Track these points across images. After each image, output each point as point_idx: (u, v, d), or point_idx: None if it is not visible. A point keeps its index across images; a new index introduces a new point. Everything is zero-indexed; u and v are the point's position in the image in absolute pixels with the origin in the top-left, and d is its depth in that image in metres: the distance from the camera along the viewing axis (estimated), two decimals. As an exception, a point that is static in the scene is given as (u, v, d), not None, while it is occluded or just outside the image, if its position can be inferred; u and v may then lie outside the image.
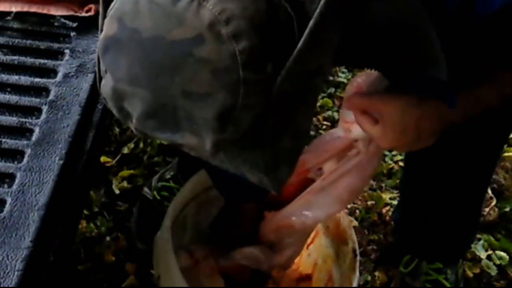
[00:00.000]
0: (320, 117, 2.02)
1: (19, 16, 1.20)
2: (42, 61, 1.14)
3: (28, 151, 1.00)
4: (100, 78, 0.82)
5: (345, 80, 2.14)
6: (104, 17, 0.80)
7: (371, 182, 1.85)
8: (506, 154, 1.93)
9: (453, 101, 1.00)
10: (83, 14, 1.21)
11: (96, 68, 0.83)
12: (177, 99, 0.74)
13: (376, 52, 0.95)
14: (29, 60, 1.14)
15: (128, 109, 0.79)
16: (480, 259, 1.71)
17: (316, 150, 1.23)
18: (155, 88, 0.75)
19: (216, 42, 0.72)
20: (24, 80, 1.10)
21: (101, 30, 0.80)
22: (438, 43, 0.94)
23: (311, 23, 0.74)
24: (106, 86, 0.79)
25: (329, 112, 2.02)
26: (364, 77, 1.12)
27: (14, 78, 1.10)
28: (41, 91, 1.09)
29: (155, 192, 1.65)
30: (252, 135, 0.78)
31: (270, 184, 0.85)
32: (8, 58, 1.14)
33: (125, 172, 1.77)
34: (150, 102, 0.76)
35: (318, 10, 0.73)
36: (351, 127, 1.14)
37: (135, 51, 0.75)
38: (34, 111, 1.06)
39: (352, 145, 1.18)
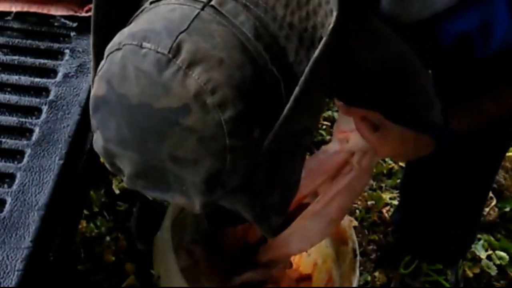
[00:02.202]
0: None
1: (19, 16, 1.20)
2: (42, 61, 1.14)
3: (28, 151, 1.00)
4: (93, 132, 0.83)
5: (345, 80, 2.14)
6: (95, 71, 0.80)
7: (371, 182, 1.85)
8: (506, 154, 1.93)
9: (448, 140, 1.00)
10: (83, 14, 1.21)
11: (91, 126, 0.83)
12: (165, 163, 0.75)
13: (368, 95, 0.96)
14: (29, 60, 1.14)
15: (119, 165, 0.80)
16: (480, 259, 1.71)
17: (312, 173, 1.20)
18: (143, 152, 0.76)
19: (202, 112, 0.72)
20: (24, 80, 1.10)
21: (92, 85, 0.81)
22: (431, 87, 0.95)
23: (296, 89, 0.74)
24: (98, 143, 0.80)
25: (329, 112, 2.02)
26: None
27: (14, 78, 1.10)
28: (41, 91, 1.09)
29: (155, 193, 1.65)
30: (241, 190, 0.79)
31: (261, 230, 0.86)
32: (8, 58, 1.14)
33: (125, 172, 1.77)
34: (139, 164, 0.77)
35: (303, 77, 0.73)
36: (348, 136, 1.12)
37: (123, 115, 0.75)
38: (34, 111, 1.06)
39: (348, 161, 1.15)
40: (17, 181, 0.96)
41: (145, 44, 0.74)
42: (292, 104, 0.74)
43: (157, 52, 0.73)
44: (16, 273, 0.85)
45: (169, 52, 0.72)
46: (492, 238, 1.76)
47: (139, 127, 0.75)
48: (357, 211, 1.79)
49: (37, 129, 1.03)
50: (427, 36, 0.91)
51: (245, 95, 0.73)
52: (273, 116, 0.74)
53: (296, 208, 1.23)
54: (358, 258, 1.39)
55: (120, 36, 0.77)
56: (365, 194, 1.81)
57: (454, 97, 1.02)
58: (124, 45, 0.75)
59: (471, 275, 1.68)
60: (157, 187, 0.79)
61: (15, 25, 1.19)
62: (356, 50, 0.83)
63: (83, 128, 1.07)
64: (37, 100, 1.07)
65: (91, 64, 0.84)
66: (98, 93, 0.78)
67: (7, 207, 0.93)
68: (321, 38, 0.75)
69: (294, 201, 1.21)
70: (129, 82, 0.74)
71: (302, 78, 0.73)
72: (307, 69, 0.73)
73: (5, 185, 0.96)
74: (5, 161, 0.99)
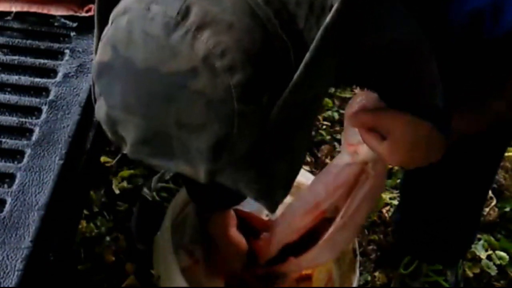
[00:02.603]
0: (320, 117, 2.01)
1: (19, 16, 1.20)
2: (42, 61, 1.14)
3: (28, 151, 1.00)
4: (95, 99, 0.81)
5: (345, 80, 2.14)
6: (99, 39, 0.79)
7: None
8: (506, 154, 1.93)
9: (445, 129, 0.98)
10: (83, 14, 1.21)
11: (92, 89, 0.82)
12: (171, 128, 0.74)
13: (373, 76, 0.95)
14: (29, 60, 1.14)
15: (122, 134, 0.79)
16: (480, 259, 1.71)
17: (329, 188, 1.21)
18: (149, 117, 0.75)
19: (210, 75, 0.71)
20: (24, 80, 1.10)
21: (96, 52, 0.79)
22: (436, 70, 0.94)
23: (307, 56, 0.73)
24: (100, 110, 0.79)
25: (329, 112, 2.02)
26: (367, 95, 1.09)
27: (14, 78, 1.10)
28: (41, 91, 1.09)
29: (154, 193, 1.65)
30: (248, 160, 0.78)
31: (265, 205, 0.85)
32: (8, 58, 1.14)
33: (125, 172, 1.77)
34: (143, 130, 0.76)
35: (313, 44, 0.72)
36: (357, 149, 1.12)
37: (129, 80, 0.75)
38: (34, 111, 1.06)
39: (363, 169, 1.15)
40: (17, 181, 0.96)
41: (152, 7, 0.73)
42: (302, 71, 0.73)
43: (165, 15, 0.72)
44: (16, 273, 0.85)
45: (177, 15, 0.71)
46: (492, 238, 1.76)
47: (145, 92, 0.74)
48: (357, 211, 1.79)
49: (37, 129, 1.03)
50: (438, 13, 0.89)
51: (254, 60, 0.73)
52: (282, 83, 0.73)
53: (319, 224, 1.24)
54: (358, 258, 1.39)
55: (126, 0, 0.76)
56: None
57: (460, 92, 1.01)
58: (130, 9, 0.74)
59: (471, 275, 1.68)
60: (161, 155, 0.77)
61: (15, 25, 1.19)
62: (365, 28, 0.81)
63: (83, 128, 1.07)
64: (37, 100, 1.07)
65: (95, 32, 0.81)
66: (102, 59, 0.77)
67: (7, 207, 0.92)
68: (332, 6, 0.74)
69: (314, 218, 1.23)
70: (136, 47, 0.73)
71: (313, 44, 0.72)
72: (318, 36, 0.72)
73: (5, 185, 0.95)
74: (5, 161, 0.99)
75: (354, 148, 1.12)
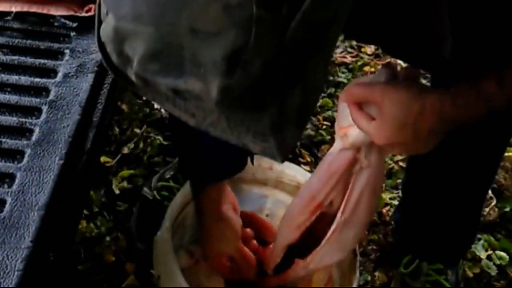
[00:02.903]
0: (320, 117, 2.02)
1: (19, 16, 1.20)
2: (42, 61, 1.14)
3: (28, 151, 1.00)
4: (101, 21, 0.77)
5: (345, 80, 2.14)
6: None
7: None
8: (506, 154, 1.93)
9: (446, 84, 0.96)
10: (83, 14, 1.21)
11: (96, 16, 0.78)
12: (183, 37, 0.70)
13: (382, 23, 0.92)
14: (29, 60, 1.14)
15: (128, 53, 0.74)
16: (480, 259, 1.71)
17: (323, 177, 1.19)
18: (160, 25, 0.70)
19: None
20: (24, 80, 1.10)
21: None
22: (447, 21, 0.91)
23: None
24: (107, 27, 0.75)
25: (329, 112, 2.02)
26: (363, 79, 1.10)
27: (14, 78, 1.10)
28: (41, 91, 1.09)
29: (155, 192, 1.65)
30: (261, 81, 0.73)
31: (275, 148, 0.78)
32: (8, 58, 1.14)
33: (125, 172, 1.77)
34: (153, 41, 0.71)
35: None
36: (347, 131, 1.11)
37: None
38: (34, 111, 1.06)
39: (356, 158, 1.14)
40: (17, 181, 0.96)
41: None
42: None
43: None
44: (16, 273, 0.85)
45: None
46: (492, 238, 1.76)
47: None
48: (357, 211, 1.79)
49: (37, 129, 1.03)
50: None
51: None
52: None
53: (318, 219, 1.22)
54: (358, 258, 1.39)
55: None
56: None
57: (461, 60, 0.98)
58: None
59: (471, 275, 1.68)
60: (170, 71, 0.72)
61: (15, 25, 1.19)
62: None
63: (83, 128, 1.07)
64: (37, 100, 1.07)
65: None
66: None
67: (7, 207, 0.92)
68: None
69: (311, 211, 1.21)
70: None
71: None
72: None
73: (5, 185, 0.95)
74: (5, 161, 0.99)
75: (344, 131, 1.11)
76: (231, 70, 0.70)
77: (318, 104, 2.05)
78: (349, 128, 1.10)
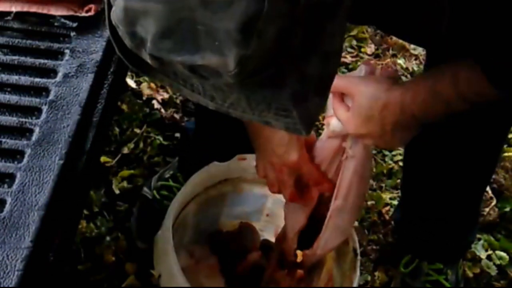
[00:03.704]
0: (320, 117, 2.02)
1: (19, 16, 1.20)
2: (42, 61, 1.14)
3: (28, 151, 1.00)
4: (110, 5, 0.76)
5: (345, 80, 2.14)
6: None
7: (371, 182, 1.85)
8: (506, 154, 1.93)
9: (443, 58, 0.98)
10: (83, 14, 1.21)
11: (106, 1, 0.77)
12: (195, 11, 0.68)
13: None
14: (29, 60, 1.14)
15: (141, 33, 0.73)
16: (480, 259, 1.71)
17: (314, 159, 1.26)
18: (170, 1, 0.69)
19: None
20: (24, 80, 1.10)
21: None
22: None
23: None
24: (117, 9, 0.73)
25: (329, 113, 2.02)
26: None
27: (14, 78, 1.10)
28: (41, 91, 1.09)
29: (154, 192, 1.65)
30: (278, 49, 0.71)
31: (298, 120, 0.77)
32: (8, 58, 1.13)
33: (125, 172, 1.77)
34: (165, 18, 0.70)
35: None
36: (330, 120, 1.18)
37: None
38: (34, 111, 1.06)
39: (341, 147, 1.21)
40: (17, 181, 0.96)
41: None
42: None
43: None
44: (16, 273, 0.85)
45: None
46: (492, 238, 1.76)
47: None
48: (357, 211, 1.79)
49: (37, 129, 1.03)
50: None
51: None
52: None
53: (318, 202, 1.27)
54: (359, 258, 1.39)
55: None
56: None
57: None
58: None
59: (471, 275, 1.68)
60: (185, 48, 0.70)
61: (15, 25, 1.19)
62: None
63: (83, 128, 1.06)
64: (37, 100, 1.07)
65: None
66: None
67: (7, 207, 0.92)
68: None
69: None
70: None
71: None
72: None
73: (5, 185, 0.95)
74: (5, 161, 0.98)
75: (328, 120, 1.19)
76: (246, 40, 0.68)
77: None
78: (332, 117, 1.17)
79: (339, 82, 1.10)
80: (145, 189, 1.68)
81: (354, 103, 1.08)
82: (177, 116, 1.94)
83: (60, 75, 1.12)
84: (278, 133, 1.23)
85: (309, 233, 1.29)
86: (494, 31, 0.94)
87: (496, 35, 0.94)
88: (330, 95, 1.15)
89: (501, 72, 0.96)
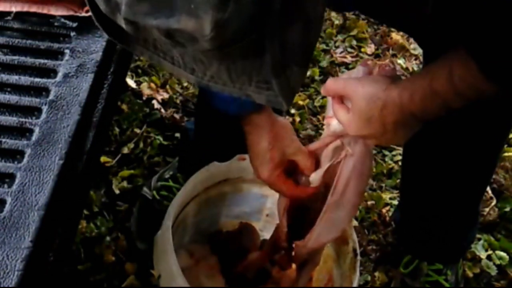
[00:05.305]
0: (320, 117, 2.02)
1: (19, 16, 1.20)
2: (42, 61, 1.14)
3: (28, 151, 1.00)
4: None
5: (345, 80, 2.14)
6: None
7: (371, 182, 1.85)
8: (506, 154, 1.93)
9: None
10: (83, 14, 1.21)
11: None
12: None
13: None
14: (29, 60, 1.14)
15: None
16: (480, 259, 1.71)
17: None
18: None
19: None
20: (24, 80, 1.10)
21: None
22: None
23: None
24: None
25: (329, 113, 2.02)
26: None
27: (14, 78, 1.10)
28: (41, 91, 1.09)
29: (154, 192, 1.65)
30: (255, 15, 0.69)
31: (279, 93, 0.75)
32: (8, 58, 1.13)
33: (125, 172, 1.77)
34: None
35: None
36: (330, 121, 1.18)
37: None
38: (34, 111, 1.06)
39: (341, 146, 1.21)
40: (17, 181, 0.96)
41: None
42: None
43: None
44: (16, 273, 0.85)
45: None
46: (492, 238, 1.76)
47: None
48: (357, 211, 1.79)
49: (37, 129, 1.03)
50: None
51: None
52: None
53: (313, 199, 1.27)
54: (359, 258, 1.39)
55: None
56: (365, 194, 1.81)
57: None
58: None
59: (471, 275, 1.68)
60: (160, 11, 0.68)
61: (15, 25, 1.19)
62: None
63: (83, 128, 1.06)
64: (37, 100, 1.07)
65: None
66: None
67: (7, 207, 0.92)
68: None
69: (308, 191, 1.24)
70: None
71: None
72: None
73: (5, 185, 0.95)
74: (5, 161, 0.99)
75: (328, 120, 1.19)
76: (223, 3, 0.66)
77: (318, 104, 2.05)
78: (332, 118, 1.17)
79: (337, 84, 1.11)
80: (145, 189, 1.68)
81: (353, 105, 1.08)
82: (177, 116, 1.94)
83: (60, 75, 1.12)
84: (259, 144, 1.24)
85: (305, 228, 1.28)
86: (480, 12, 0.92)
87: (481, 15, 0.92)
88: (329, 97, 1.15)
89: (492, 60, 0.94)
